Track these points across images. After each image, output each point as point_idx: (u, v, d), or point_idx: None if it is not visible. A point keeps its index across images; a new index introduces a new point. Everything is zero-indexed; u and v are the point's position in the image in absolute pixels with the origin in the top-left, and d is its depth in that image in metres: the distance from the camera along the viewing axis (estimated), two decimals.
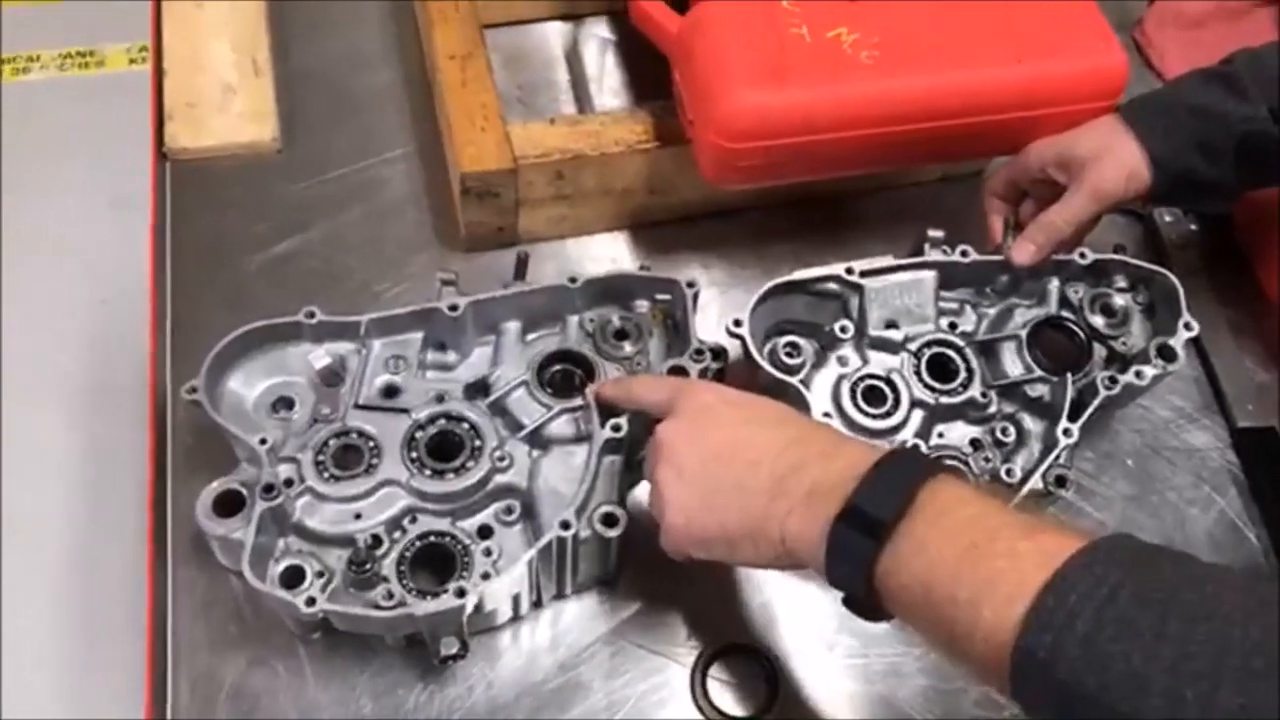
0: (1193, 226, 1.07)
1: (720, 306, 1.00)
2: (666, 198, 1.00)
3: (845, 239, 1.04)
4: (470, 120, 0.92)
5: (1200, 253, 1.06)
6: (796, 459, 0.65)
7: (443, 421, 0.79)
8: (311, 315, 0.81)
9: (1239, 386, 0.99)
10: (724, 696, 0.81)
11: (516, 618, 0.81)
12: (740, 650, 0.82)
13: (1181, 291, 0.88)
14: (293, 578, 0.74)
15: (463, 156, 0.90)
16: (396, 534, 0.76)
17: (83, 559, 1.64)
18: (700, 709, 0.80)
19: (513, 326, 0.86)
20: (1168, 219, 1.07)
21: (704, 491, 0.67)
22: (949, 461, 0.85)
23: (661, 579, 0.83)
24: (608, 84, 1.11)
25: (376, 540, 0.75)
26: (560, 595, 0.83)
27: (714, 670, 0.82)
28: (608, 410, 0.78)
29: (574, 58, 1.11)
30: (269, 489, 0.73)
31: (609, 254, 1.02)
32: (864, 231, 1.05)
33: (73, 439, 1.75)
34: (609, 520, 0.76)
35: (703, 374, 0.83)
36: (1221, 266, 1.05)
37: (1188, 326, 0.87)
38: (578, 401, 0.81)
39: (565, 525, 0.74)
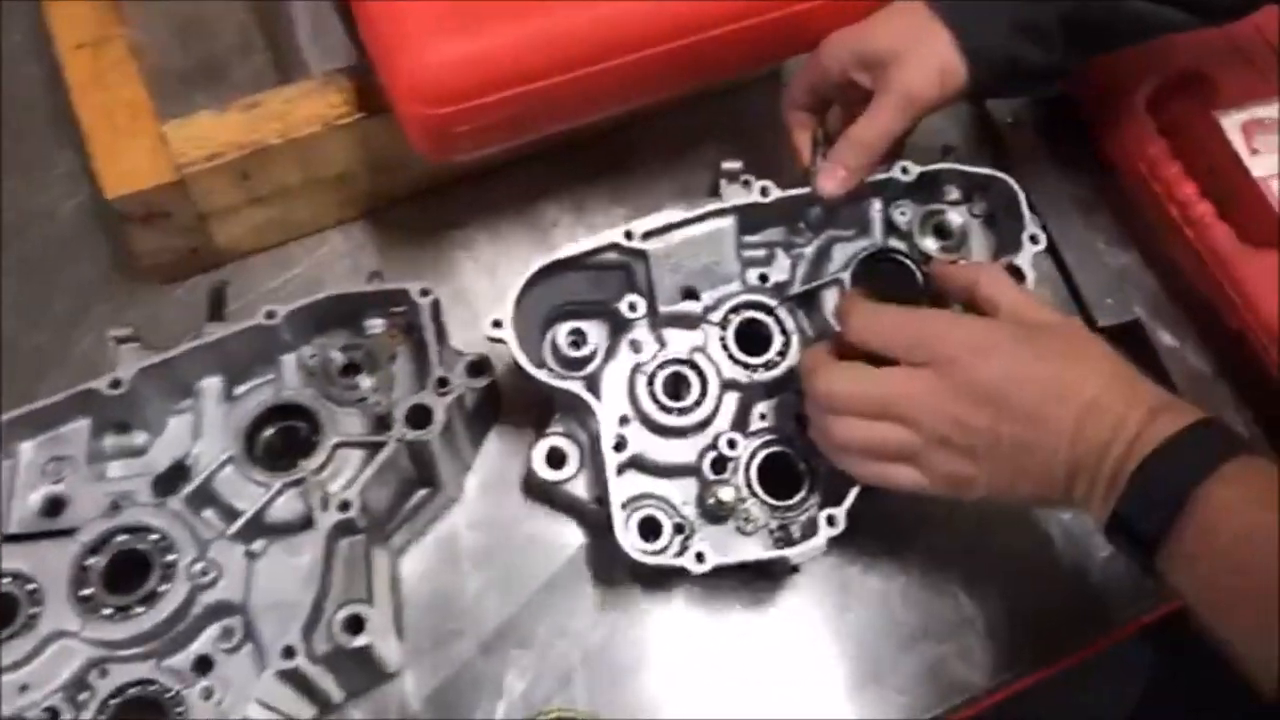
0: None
1: (493, 291, 0.83)
2: (397, 174, 0.81)
3: (631, 181, 0.88)
4: (111, 126, 0.71)
5: (1035, 125, 0.92)
6: (1096, 438, 0.57)
7: (120, 539, 0.61)
8: None
9: (1096, 278, 0.86)
10: None
11: None
12: None
13: (1023, 196, 0.73)
14: None
15: (107, 175, 0.69)
16: (83, 696, 0.59)
17: None
18: None
19: (212, 384, 0.68)
20: None
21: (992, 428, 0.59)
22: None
23: (454, 649, 0.68)
24: (324, 42, 0.89)
25: (53, 714, 0.57)
26: (328, 711, 0.67)
27: None
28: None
29: (271, 15, 0.89)
30: None
31: (346, 252, 0.83)
32: (652, 168, 0.88)
33: None
34: (353, 625, 0.59)
35: (458, 402, 0.66)
36: (1060, 136, 0.91)
37: (1034, 239, 0.73)
38: (303, 471, 0.63)
39: (289, 653, 0.57)
